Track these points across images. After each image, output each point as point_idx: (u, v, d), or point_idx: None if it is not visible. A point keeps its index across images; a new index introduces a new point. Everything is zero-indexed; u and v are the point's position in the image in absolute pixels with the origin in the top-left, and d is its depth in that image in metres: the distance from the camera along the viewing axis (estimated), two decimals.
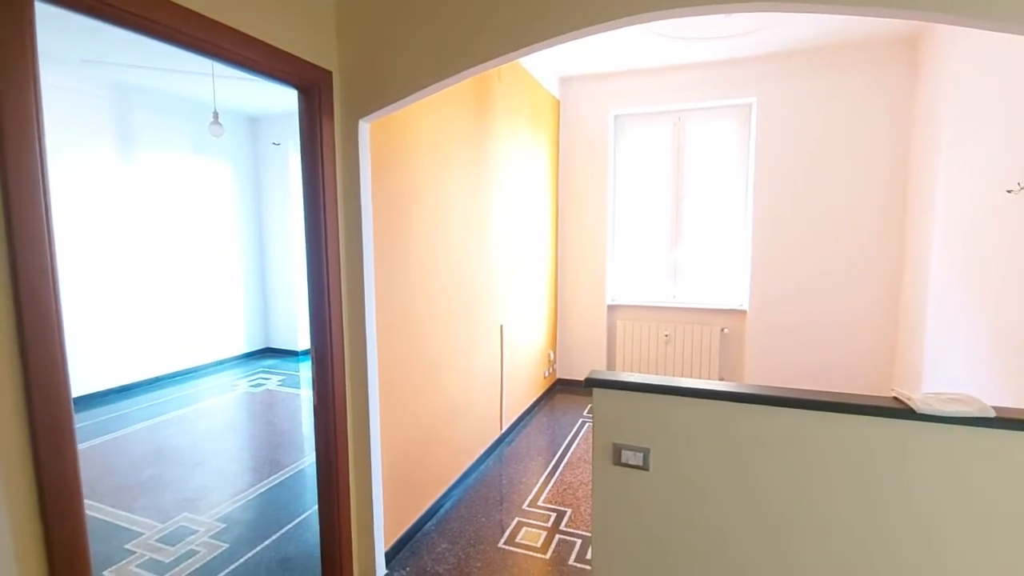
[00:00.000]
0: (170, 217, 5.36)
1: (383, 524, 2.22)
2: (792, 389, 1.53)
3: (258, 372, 5.78)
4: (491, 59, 1.74)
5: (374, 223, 2.11)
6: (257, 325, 6.48)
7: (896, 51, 3.83)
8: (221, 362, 6.00)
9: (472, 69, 1.77)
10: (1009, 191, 2.38)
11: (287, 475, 3.31)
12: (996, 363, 2.55)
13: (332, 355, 1.95)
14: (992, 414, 1.31)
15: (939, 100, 3.35)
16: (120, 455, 3.63)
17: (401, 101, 1.89)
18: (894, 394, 1.46)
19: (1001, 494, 1.33)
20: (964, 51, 3.03)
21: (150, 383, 5.22)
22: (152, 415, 4.43)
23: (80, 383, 4.62)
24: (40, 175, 1.10)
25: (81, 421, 4.23)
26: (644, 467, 1.64)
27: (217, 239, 5.90)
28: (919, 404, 1.36)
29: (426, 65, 1.83)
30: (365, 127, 1.98)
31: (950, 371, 3.07)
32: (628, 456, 1.65)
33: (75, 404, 4.17)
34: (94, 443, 3.82)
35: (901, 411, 1.38)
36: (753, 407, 1.51)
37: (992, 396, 2.44)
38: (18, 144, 1.06)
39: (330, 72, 1.90)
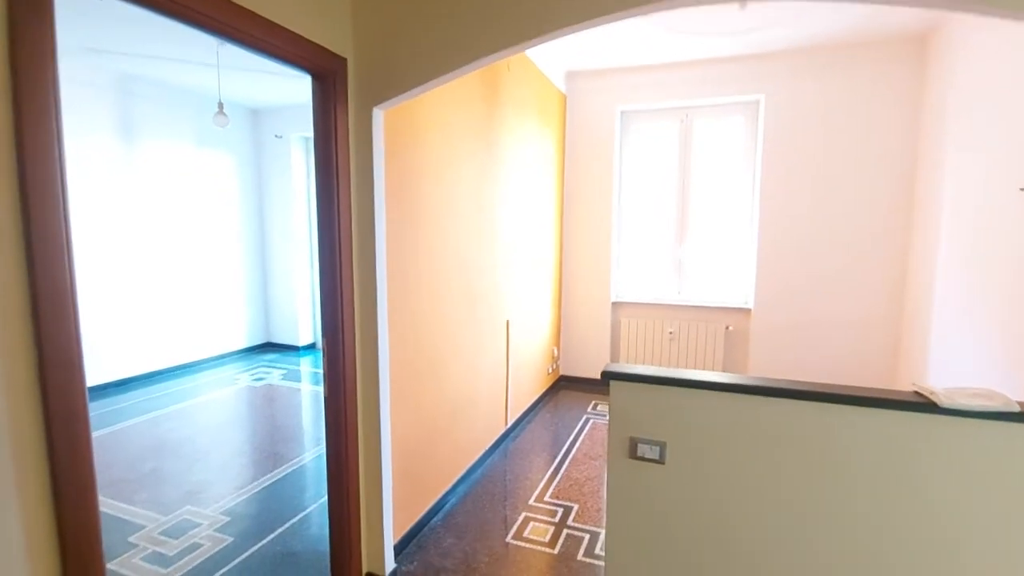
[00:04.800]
0: (171, 209, 5.31)
1: (392, 518, 2.20)
2: (812, 383, 1.51)
3: (259, 366, 5.74)
4: (509, 47, 1.71)
5: (387, 216, 2.09)
6: (258, 319, 6.44)
7: (905, 49, 3.82)
8: (222, 356, 5.96)
9: (489, 57, 1.74)
10: (1023, 189, 2.38)
11: (290, 469, 3.28)
12: (1007, 358, 2.54)
13: (344, 348, 1.93)
14: (1017, 408, 1.30)
15: (948, 97, 3.34)
16: (120, 448, 3.60)
17: (416, 89, 1.87)
18: (915, 389, 1.45)
19: None
20: (974, 48, 3.02)
21: (149, 377, 5.17)
22: (152, 409, 4.39)
23: None
24: (58, 162, 1.08)
25: None
26: (660, 461, 1.62)
27: (219, 232, 5.86)
28: (943, 399, 1.35)
29: (442, 52, 1.81)
30: (379, 115, 1.96)
31: (957, 367, 3.07)
32: (644, 450, 1.63)
33: None
34: (92, 436, 3.77)
35: (924, 405, 1.37)
36: (773, 400, 1.49)
37: (1004, 391, 2.43)
38: (37, 134, 1.03)
39: (345, 59, 1.88)
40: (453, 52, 1.80)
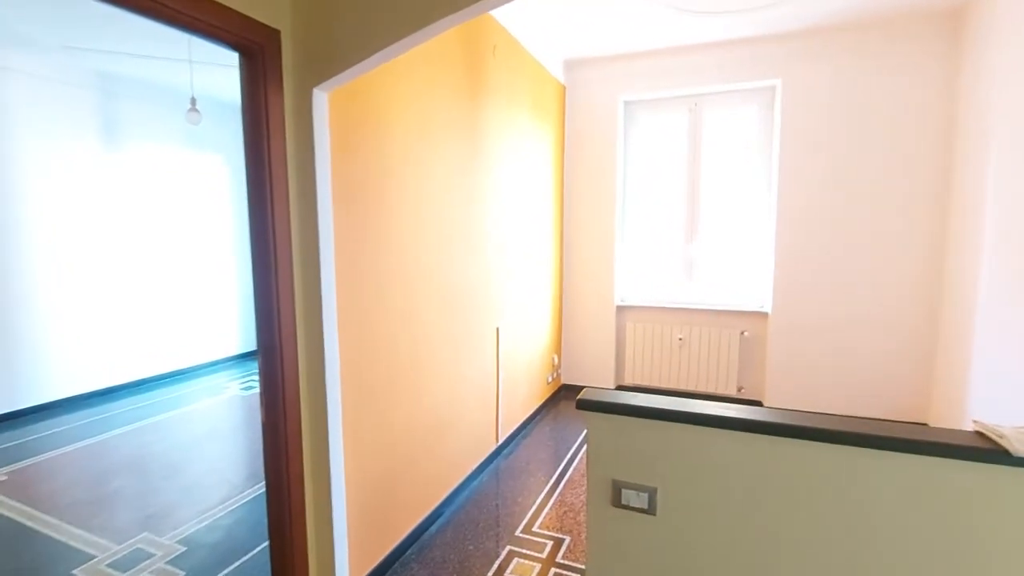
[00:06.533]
0: (160, 211, 5.14)
1: (348, 560, 1.92)
2: (840, 419, 1.20)
3: (252, 374, 5.53)
4: (473, 3, 1.42)
5: (338, 211, 1.82)
6: (253, 324, 6.23)
7: (937, 25, 3.44)
8: (215, 363, 5.77)
9: (453, 16, 1.45)
10: None
11: (263, 489, 3.03)
12: None
13: (283, 367, 1.66)
14: None
15: (988, 79, 2.97)
16: (90, 464, 3.39)
17: (363, 63, 1.59)
18: (976, 427, 1.12)
19: None
20: (1020, 21, 2.65)
21: (136, 385, 4.99)
22: (134, 419, 4.19)
23: (61, 385, 4.41)
24: None
25: (58, 426, 4.01)
26: (650, 511, 1.32)
27: (211, 234, 5.67)
28: (1016, 444, 1.03)
29: (393, 15, 1.53)
30: (322, 97, 1.68)
31: (1005, 378, 2.70)
32: (630, 497, 1.33)
33: (54, 408, 3.83)
34: (65, 450, 3.59)
35: (988, 452, 1.05)
36: (790, 441, 1.18)
37: None
38: None
39: (278, 31, 1.61)
40: (407, 14, 1.51)
